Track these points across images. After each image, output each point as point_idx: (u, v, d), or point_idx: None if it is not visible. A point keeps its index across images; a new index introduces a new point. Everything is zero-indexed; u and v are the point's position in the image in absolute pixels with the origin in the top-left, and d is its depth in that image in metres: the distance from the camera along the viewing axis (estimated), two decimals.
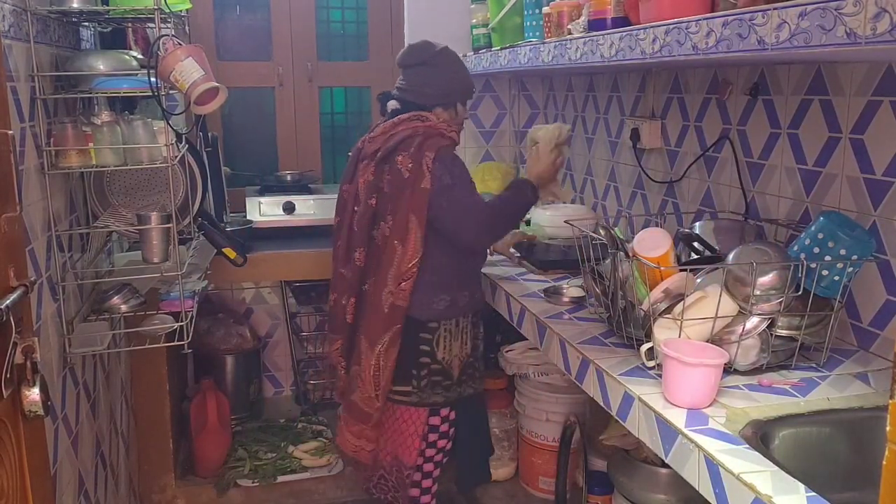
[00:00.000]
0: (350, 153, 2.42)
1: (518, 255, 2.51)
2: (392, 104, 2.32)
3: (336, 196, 2.42)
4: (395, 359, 2.21)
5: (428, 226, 2.14)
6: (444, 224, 2.15)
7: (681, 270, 1.56)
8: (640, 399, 1.42)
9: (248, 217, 2.92)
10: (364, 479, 2.45)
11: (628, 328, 1.68)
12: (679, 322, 1.49)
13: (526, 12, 2.43)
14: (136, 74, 1.95)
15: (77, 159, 1.84)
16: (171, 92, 1.94)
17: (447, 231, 2.16)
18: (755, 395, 1.43)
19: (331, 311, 2.39)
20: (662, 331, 1.51)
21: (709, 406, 1.37)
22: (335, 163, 3.50)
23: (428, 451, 2.31)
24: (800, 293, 1.50)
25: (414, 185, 2.12)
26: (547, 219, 2.76)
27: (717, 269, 1.60)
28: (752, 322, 1.51)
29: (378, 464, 2.34)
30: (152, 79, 1.80)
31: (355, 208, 2.28)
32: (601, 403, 1.59)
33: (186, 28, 2.43)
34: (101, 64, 1.94)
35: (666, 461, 1.34)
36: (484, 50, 2.86)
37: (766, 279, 1.49)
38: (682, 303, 1.50)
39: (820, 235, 1.51)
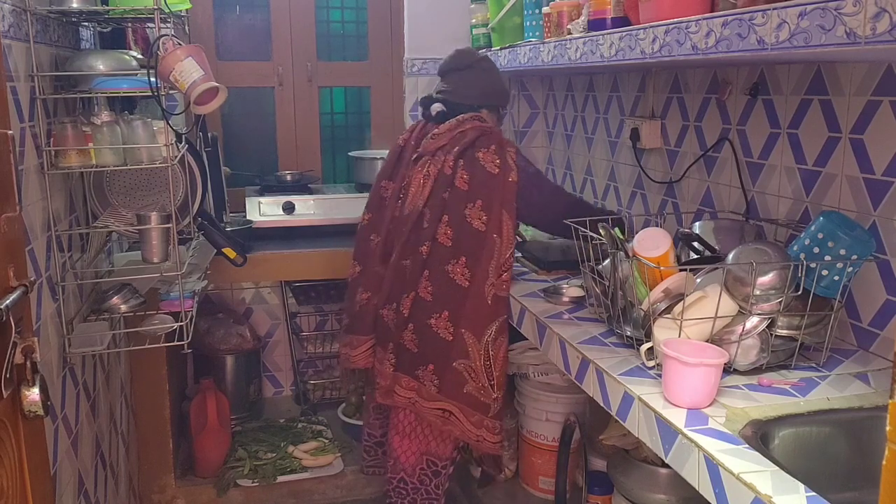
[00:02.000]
0: (389, 151, 2.46)
1: (519, 254, 2.50)
2: (437, 107, 2.37)
3: (339, 196, 2.42)
4: (506, 350, 2.23)
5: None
6: (534, 208, 2.26)
7: (681, 270, 1.56)
8: (639, 399, 1.42)
9: (248, 217, 2.92)
10: (384, 491, 2.40)
11: (628, 328, 1.68)
12: (679, 322, 1.49)
13: (526, 12, 2.43)
14: (136, 74, 1.95)
15: (77, 159, 1.84)
16: (170, 92, 1.94)
17: (536, 212, 2.27)
18: (755, 394, 1.43)
19: (359, 311, 2.36)
20: (662, 331, 1.51)
21: (709, 406, 1.37)
22: (335, 163, 3.51)
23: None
24: (799, 293, 1.50)
25: (504, 179, 2.19)
26: None
27: (716, 268, 1.60)
28: (752, 322, 1.51)
29: (398, 466, 2.31)
30: (152, 79, 1.80)
31: (396, 205, 2.30)
32: (601, 403, 1.59)
33: (186, 28, 2.43)
34: (100, 64, 1.94)
35: (666, 461, 1.34)
36: (484, 50, 2.86)
37: (765, 279, 1.49)
38: (681, 303, 1.50)
39: (820, 235, 1.51)
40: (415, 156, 2.33)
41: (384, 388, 2.28)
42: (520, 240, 2.58)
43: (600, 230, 1.76)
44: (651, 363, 1.53)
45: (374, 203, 2.39)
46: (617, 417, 1.52)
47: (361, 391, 2.94)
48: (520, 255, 2.49)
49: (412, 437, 2.29)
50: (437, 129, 2.32)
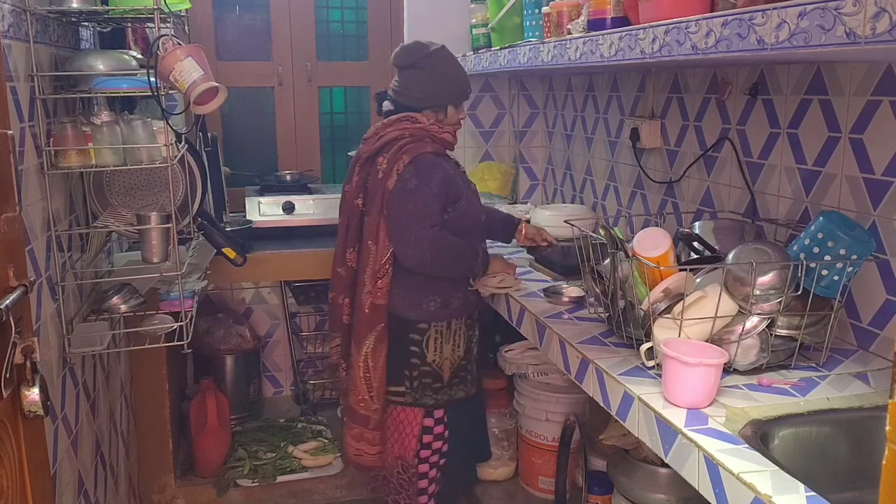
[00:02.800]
0: (353, 155, 2.46)
1: (533, 258, 2.49)
2: (386, 105, 2.36)
3: (338, 196, 2.45)
4: (385, 358, 2.22)
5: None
6: (389, 224, 2.16)
7: (680, 270, 1.56)
8: (639, 399, 1.42)
9: (248, 217, 2.92)
10: (370, 479, 2.45)
11: (628, 328, 1.68)
12: (679, 322, 1.49)
13: (525, 12, 2.43)
14: (136, 74, 1.95)
15: (77, 159, 1.84)
16: (170, 92, 1.94)
17: (389, 232, 2.17)
18: (755, 394, 1.43)
19: (330, 309, 2.42)
20: (662, 330, 1.51)
21: (708, 406, 1.37)
22: (335, 163, 3.50)
23: (423, 453, 2.32)
24: (799, 293, 1.51)
25: (384, 184, 2.17)
26: (546, 218, 2.76)
27: (716, 268, 1.60)
28: (752, 322, 1.51)
29: (382, 464, 2.34)
30: (152, 79, 1.80)
31: (353, 209, 2.32)
32: (601, 403, 1.59)
33: (186, 28, 2.43)
34: (100, 64, 1.94)
35: (666, 461, 1.34)
36: (483, 50, 2.86)
37: (765, 279, 1.49)
38: (681, 303, 1.50)
39: (820, 235, 1.51)
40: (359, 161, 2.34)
41: (342, 390, 2.39)
42: (545, 244, 2.57)
43: (600, 230, 1.76)
44: (651, 363, 1.53)
45: (341, 206, 2.43)
46: (617, 417, 1.52)
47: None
48: (534, 259, 2.47)
49: (381, 443, 2.34)
50: (366, 134, 2.35)
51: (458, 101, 2.33)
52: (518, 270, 2.35)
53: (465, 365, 2.33)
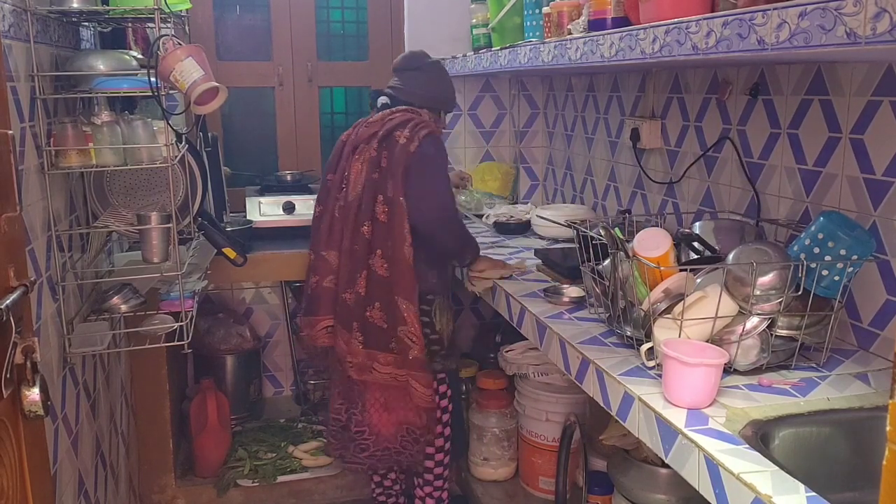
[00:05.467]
0: (335, 146, 2.56)
1: (539, 261, 2.49)
2: (382, 99, 2.52)
3: None
4: (426, 316, 2.37)
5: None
6: (409, 187, 2.29)
7: (681, 270, 1.56)
8: (640, 399, 1.42)
9: (248, 217, 2.92)
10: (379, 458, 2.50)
11: (628, 328, 1.68)
12: (679, 322, 1.49)
13: (526, 12, 2.43)
14: (136, 74, 1.95)
15: (77, 159, 1.84)
16: (171, 92, 1.94)
17: (412, 193, 2.29)
18: (755, 395, 1.43)
19: (313, 293, 2.48)
20: (662, 331, 1.51)
21: (709, 406, 1.37)
22: None
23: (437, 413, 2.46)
24: (800, 293, 1.50)
25: (407, 148, 2.30)
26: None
27: (717, 269, 1.60)
28: (752, 322, 1.51)
29: (380, 439, 2.43)
30: (152, 79, 1.80)
31: (339, 195, 2.42)
32: (601, 403, 1.59)
33: (186, 28, 2.43)
34: (101, 64, 1.94)
35: (666, 461, 1.34)
36: (484, 50, 2.86)
37: (766, 279, 1.49)
38: (682, 303, 1.50)
39: (820, 235, 1.51)
40: (354, 146, 2.44)
41: (358, 364, 2.39)
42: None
43: (601, 230, 1.76)
44: (651, 363, 1.53)
45: (321, 196, 2.54)
46: (617, 417, 1.52)
47: (326, 379, 3.07)
48: (539, 262, 2.47)
49: (389, 411, 2.43)
50: (370, 119, 2.47)
51: (448, 108, 2.63)
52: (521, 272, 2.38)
53: (454, 338, 2.51)
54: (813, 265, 1.50)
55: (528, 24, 2.42)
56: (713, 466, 1.19)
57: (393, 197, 2.31)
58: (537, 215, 2.85)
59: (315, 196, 2.99)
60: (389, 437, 2.43)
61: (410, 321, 2.31)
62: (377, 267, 2.35)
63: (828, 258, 1.50)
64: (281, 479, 2.87)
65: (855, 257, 1.48)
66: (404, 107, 2.46)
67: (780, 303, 1.50)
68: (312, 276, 2.49)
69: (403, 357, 2.34)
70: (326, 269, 2.44)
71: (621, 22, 1.83)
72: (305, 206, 2.94)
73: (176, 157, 1.96)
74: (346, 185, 2.41)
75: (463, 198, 3.10)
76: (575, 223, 1.93)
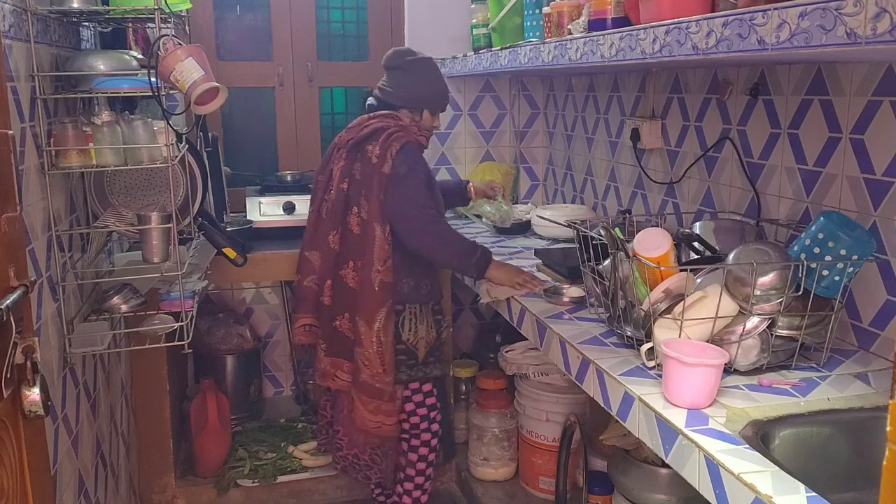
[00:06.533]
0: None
1: (540, 261, 2.49)
2: (370, 99, 2.54)
3: None
4: (394, 333, 2.36)
5: None
6: (387, 209, 2.30)
7: (681, 270, 1.56)
8: (640, 399, 1.42)
9: (249, 217, 2.92)
10: (367, 469, 2.50)
11: (628, 328, 1.68)
12: (679, 322, 1.49)
13: (526, 12, 2.43)
14: (137, 74, 1.95)
15: (77, 159, 1.84)
16: (171, 92, 1.94)
17: (388, 216, 2.31)
18: (755, 395, 1.43)
19: (297, 291, 2.53)
20: (662, 331, 1.51)
21: (709, 406, 1.37)
22: None
23: (413, 420, 2.47)
24: (800, 293, 1.50)
25: (379, 169, 2.30)
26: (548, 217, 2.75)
27: (717, 269, 1.60)
28: (753, 322, 1.51)
29: (352, 442, 2.44)
30: (152, 79, 1.79)
31: (325, 196, 2.44)
32: (601, 403, 1.59)
33: (186, 28, 2.43)
34: (101, 64, 1.94)
35: (666, 461, 1.34)
36: (484, 50, 2.86)
37: (766, 279, 1.49)
38: (682, 303, 1.50)
39: (820, 235, 1.51)
40: (338, 150, 2.47)
41: (320, 371, 2.45)
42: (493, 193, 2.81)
43: (601, 230, 1.76)
44: (651, 363, 1.53)
45: (312, 195, 2.57)
46: (617, 418, 1.52)
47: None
48: (540, 262, 2.47)
49: (397, 413, 2.44)
50: (351, 123, 2.49)
51: (434, 107, 2.52)
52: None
53: (440, 346, 2.51)
54: (813, 265, 1.50)
55: (529, 24, 2.42)
56: (713, 466, 1.19)
57: (368, 220, 2.32)
58: (538, 215, 2.85)
59: None
60: (359, 445, 2.43)
61: (367, 344, 2.32)
62: (348, 279, 2.37)
63: (828, 258, 1.50)
64: (281, 479, 2.87)
65: (855, 257, 1.48)
66: (383, 111, 2.44)
67: (781, 303, 1.50)
68: (297, 274, 2.53)
69: (355, 377, 2.36)
70: (309, 269, 2.47)
71: (621, 22, 1.83)
72: (305, 207, 2.93)
73: (176, 157, 1.96)
74: (331, 188, 2.43)
75: (488, 208, 2.91)
76: (575, 223, 1.93)
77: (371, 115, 2.45)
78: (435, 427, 2.51)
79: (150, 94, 1.81)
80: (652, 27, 1.57)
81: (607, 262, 1.77)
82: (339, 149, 2.44)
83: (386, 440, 2.42)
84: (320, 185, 2.48)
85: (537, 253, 2.52)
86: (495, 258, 2.30)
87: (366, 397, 2.36)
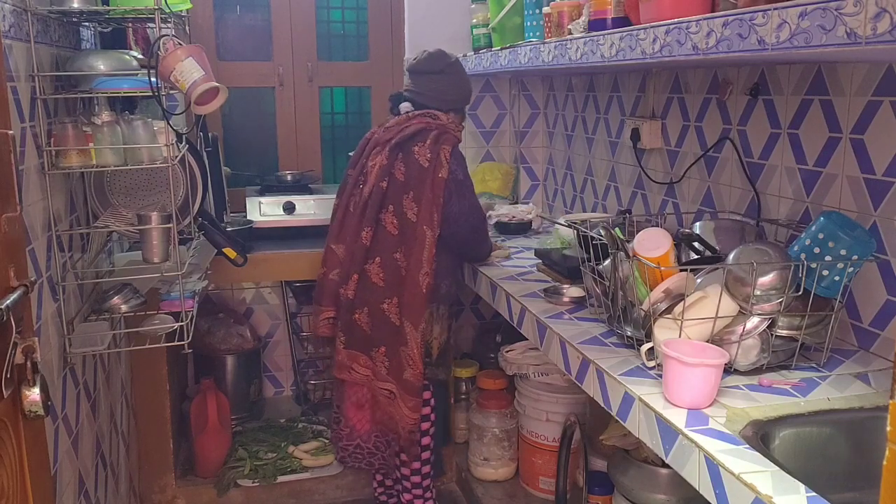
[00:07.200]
0: (360, 142, 2.59)
1: (540, 261, 2.49)
2: (405, 106, 2.50)
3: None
4: (436, 333, 2.41)
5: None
6: (453, 215, 2.34)
7: (681, 270, 1.56)
8: (640, 399, 1.42)
9: (249, 217, 2.92)
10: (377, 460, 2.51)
11: (628, 328, 1.68)
12: (679, 322, 1.49)
13: (526, 12, 2.43)
14: (137, 74, 1.95)
15: (77, 159, 1.84)
16: (171, 92, 1.94)
17: (450, 220, 2.34)
18: (755, 395, 1.43)
19: (320, 283, 2.51)
20: (662, 331, 1.51)
21: (709, 406, 1.37)
22: (335, 163, 3.50)
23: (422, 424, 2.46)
24: (800, 293, 1.50)
25: (434, 174, 2.31)
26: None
27: (717, 269, 1.60)
28: (753, 322, 1.51)
29: (354, 434, 2.46)
30: (152, 79, 1.79)
31: (354, 191, 2.44)
32: (601, 403, 1.59)
33: (186, 28, 2.43)
34: (101, 64, 1.94)
35: (666, 461, 1.34)
36: (484, 50, 2.86)
37: (766, 279, 1.49)
38: (682, 303, 1.50)
39: (820, 235, 1.51)
40: (374, 147, 2.46)
41: (338, 363, 2.44)
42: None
43: (601, 230, 1.76)
44: (651, 363, 1.53)
45: (340, 189, 2.57)
46: (617, 418, 1.52)
47: (327, 378, 3.17)
48: (540, 262, 2.47)
49: (366, 409, 2.45)
50: (388, 122, 2.48)
51: (468, 104, 2.63)
52: (521, 272, 2.40)
53: (447, 349, 2.52)
54: (813, 265, 1.50)
55: (529, 24, 2.42)
56: (713, 466, 1.19)
57: (417, 222, 2.32)
58: (562, 222, 2.84)
59: (315, 196, 3.01)
60: (363, 435, 2.45)
61: (413, 344, 2.32)
62: (372, 274, 2.36)
63: (828, 258, 1.50)
64: (281, 479, 2.87)
65: (855, 257, 1.48)
66: (420, 111, 2.44)
67: (781, 303, 1.50)
68: (322, 267, 2.52)
69: (397, 374, 2.35)
70: (334, 262, 2.46)
71: (621, 22, 1.84)
72: (305, 207, 2.95)
73: (176, 157, 1.96)
74: (363, 184, 2.42)
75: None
76: (575, 223, 1.93)
77: (411, 114, 2.44)
78: (426, 425, 2.49)
79: (150, 94, 1.81)
80: (652, 27, 1.57)
81: (607, 262, 1.77)
82: (376, 146, 2.43)
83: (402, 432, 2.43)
84: (351, 180, 2.48)
85: (537, 253, 2.52)
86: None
87: (408, 396, 2.35)
